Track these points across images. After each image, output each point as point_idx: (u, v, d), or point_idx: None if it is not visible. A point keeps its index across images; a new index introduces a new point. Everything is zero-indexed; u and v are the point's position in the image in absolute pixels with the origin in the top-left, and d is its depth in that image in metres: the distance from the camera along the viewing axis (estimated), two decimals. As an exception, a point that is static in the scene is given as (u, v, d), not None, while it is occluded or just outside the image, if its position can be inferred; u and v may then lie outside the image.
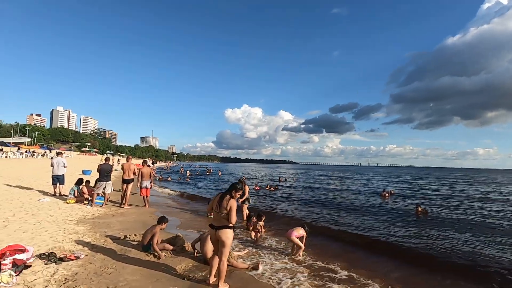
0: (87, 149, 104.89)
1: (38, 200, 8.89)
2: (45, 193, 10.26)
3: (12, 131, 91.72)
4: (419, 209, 11.32)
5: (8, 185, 11.35)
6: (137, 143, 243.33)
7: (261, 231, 7.00)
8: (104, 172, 9.17)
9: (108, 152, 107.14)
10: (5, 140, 44.43)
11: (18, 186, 11.23)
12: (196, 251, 5.15)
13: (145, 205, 10.01)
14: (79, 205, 9.00)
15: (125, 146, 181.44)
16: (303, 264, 5.31)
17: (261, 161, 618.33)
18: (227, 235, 3.70)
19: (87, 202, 9.35)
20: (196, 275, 4.27)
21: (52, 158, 11.26)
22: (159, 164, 79.62)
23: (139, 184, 9.78)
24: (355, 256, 6.11)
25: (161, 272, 4.24)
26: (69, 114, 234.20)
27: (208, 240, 4.87)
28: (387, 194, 17.98)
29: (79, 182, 9.96)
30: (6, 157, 30.47)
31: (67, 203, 8.99)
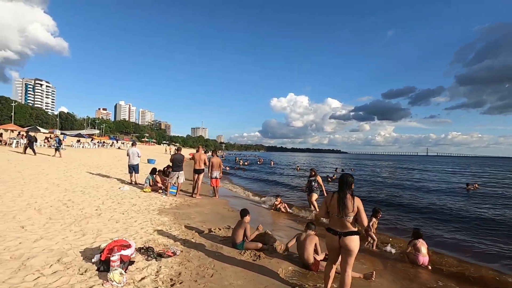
0: (146, 139, 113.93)
1: (119, 188, 9.31)
2: (122, 181, 10.82)
3: (84, 124, 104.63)
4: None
5: (91, 173, 12.30)
6: (188, 134, 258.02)
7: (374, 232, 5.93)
8: (177, 162, 9.21)
9: (164, 142, 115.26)
10: (81, 132, 50.20)
11: (98, 174, 12.11)
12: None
13: (214, 195, 9.93)
14: (155, 194, 9.23)
15: (178, 136, 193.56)
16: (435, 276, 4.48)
17: (307, 150, 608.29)
18: (356, 243, 3.02)
19: (161, 191, 9.56)
20: (304, 283, 3.71)
21: (119, 148, 11.79)
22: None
23: (209, 174, 9.71)
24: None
25: (265, 276, 3.77)
26: (129, 107, 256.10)
27: (309, 243, 4.29)
28: (472, 188, 15.63)
29: (153, 171, 10.24)
30: (83, 147, 34.18)
31: (144, 191, 9.28)
